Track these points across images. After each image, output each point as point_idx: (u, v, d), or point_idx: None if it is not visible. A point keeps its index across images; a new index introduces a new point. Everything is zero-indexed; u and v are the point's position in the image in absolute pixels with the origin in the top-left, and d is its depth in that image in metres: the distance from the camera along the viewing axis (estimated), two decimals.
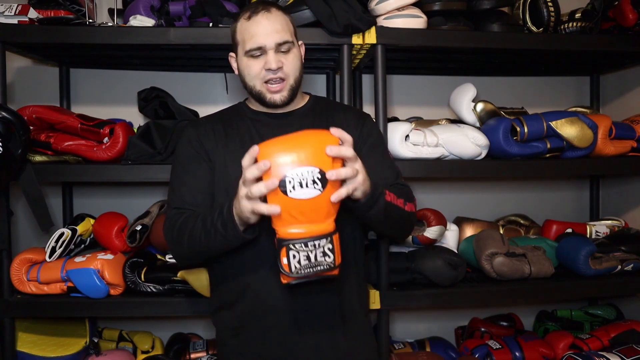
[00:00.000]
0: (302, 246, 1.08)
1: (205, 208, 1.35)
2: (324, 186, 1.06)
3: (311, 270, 1.09)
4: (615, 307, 2.31)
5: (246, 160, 1.10)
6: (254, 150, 1.09)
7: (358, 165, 1.13)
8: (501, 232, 2.19)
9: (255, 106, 1.47)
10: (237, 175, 1.33)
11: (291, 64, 1.39)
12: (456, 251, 1.99)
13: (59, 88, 2.21)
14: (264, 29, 1.36)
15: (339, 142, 1.10)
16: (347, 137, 1.12)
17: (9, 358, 1.77)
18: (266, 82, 1.38)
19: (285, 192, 1.05)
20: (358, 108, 2.19)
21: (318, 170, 1.05)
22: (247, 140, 1.39)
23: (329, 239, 1.09)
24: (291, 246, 1.08)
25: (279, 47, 1.36)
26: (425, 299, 1.85)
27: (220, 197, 1.38)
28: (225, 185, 1.37)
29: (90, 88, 2.28)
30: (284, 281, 1.12)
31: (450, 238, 2.01)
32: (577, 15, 2.02)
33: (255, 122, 1.44)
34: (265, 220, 1.17)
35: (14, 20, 1.74)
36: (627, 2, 1.95)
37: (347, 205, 1.20)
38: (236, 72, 1.46)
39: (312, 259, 1.08)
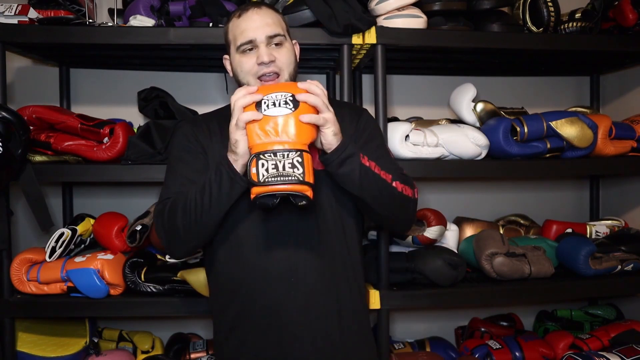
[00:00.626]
0: (271, 155, 1.14)
1: None
2: (295, 107, 1.17)
3: (279, 179, 1.13)
4: (615, 307, 2.31)
5: (239, 93, 1.21)
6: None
7: (328, 105, 1.22)
8: (501, 232, 2.19)
9: None
10: None
11: (284, 57, 1.37)
12: (456, 251, 1.99)
13: (59, 88, 2.21)
14: (254, 23, 1.35)
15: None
16: (317, 90, 1.21)
17: (9, 358, 1.77)
18: (259, 78, 1.36)
19: (260, 110, 1.17)
20: (355, 103, 2.18)
21: (290, 94, 1.18)
22: None
23: (298, 152, 1.15)
24: (261, 156, 1.14)
25: (270, 40, 1.35)
26: (425, 299, 1.85)
27: None
28: None
29: (90, 88, 2.28)
30: (253, 195, 1.15)
31: (450, 238, 2.01)
32: (577, 15, 2.02)
33: None
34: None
35: (14, 20, 1.74)
36: (627, 2, 1.95)
37: (320, 160, 1.26)
38: (231, 73, 1.46)
39: (280, 168, 1.13)
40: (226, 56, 1.47)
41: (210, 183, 1.24)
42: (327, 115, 1.20)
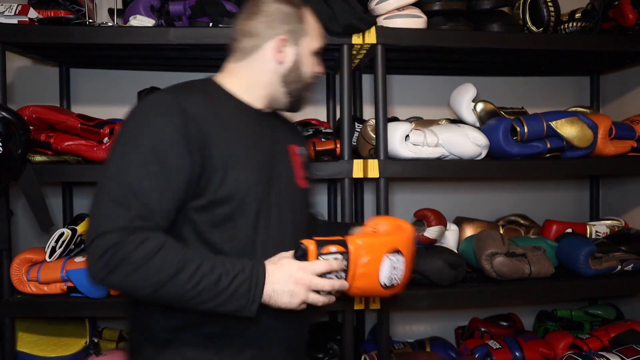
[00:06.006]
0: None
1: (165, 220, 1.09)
2: None
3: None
4: (615, 307, 2.31)
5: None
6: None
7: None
8: (501, 232, 2.19)
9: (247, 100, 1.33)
10: None
11: None
12: (456, 251, 2.00)
13: (59, 88, 2.21)
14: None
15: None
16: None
17: (9, 358, 1.77)
18: None
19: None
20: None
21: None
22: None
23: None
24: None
25: None
26: (425, 299, 1.85)
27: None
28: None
29: (90, 88, 2.28)
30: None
31: (450, 238, 2.01)
32: (577, 15, 2.02)
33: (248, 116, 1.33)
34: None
35: (14, 20, 1.74)
36: (627, 2, 1.95)
37: None
38: (278, 58, 1.25)
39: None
40: (286, 37, 1.26)
41: (232, 291, 1.07)
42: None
